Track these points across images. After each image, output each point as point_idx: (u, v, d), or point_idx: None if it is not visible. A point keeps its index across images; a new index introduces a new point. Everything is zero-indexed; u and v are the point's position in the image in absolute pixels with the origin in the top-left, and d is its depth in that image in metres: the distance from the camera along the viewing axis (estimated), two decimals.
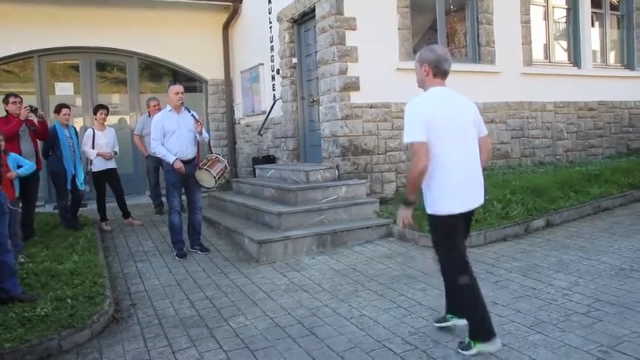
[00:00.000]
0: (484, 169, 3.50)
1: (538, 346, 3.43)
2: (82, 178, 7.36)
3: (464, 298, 3.43)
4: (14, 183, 5.76)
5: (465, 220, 3.45)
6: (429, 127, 3.20)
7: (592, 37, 10.29)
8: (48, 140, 7.16)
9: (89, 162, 7.72)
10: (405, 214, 3.39)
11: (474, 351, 3.31)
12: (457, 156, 3.28)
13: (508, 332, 3.68)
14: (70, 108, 7.46)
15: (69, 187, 7.16)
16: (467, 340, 3.37)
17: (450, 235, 3.40)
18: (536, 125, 9.24)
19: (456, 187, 3.29)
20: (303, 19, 8.47)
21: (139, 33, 10.66)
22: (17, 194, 5.85)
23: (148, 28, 10.69)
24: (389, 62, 7.56)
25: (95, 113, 8.00)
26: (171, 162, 6.05)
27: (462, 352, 3.35)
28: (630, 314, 3.84)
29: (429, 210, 3.40)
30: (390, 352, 3.47)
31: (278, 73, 9.14)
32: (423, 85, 3.45)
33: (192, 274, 5.61)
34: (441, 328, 3.75)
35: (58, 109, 7.28)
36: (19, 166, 5.85)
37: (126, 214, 8.10)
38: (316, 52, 7.88)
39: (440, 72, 3.37)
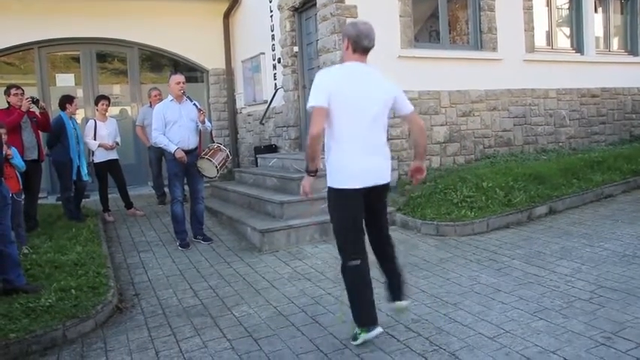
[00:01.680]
0: (424, 148, 3.58)
1: (541, 333, 3.44)
2: (86, 169, 7.38)
3: (346, 284, 3.45)
4: (18, 175, 5.76)
5: (365, 199, 3.40)
6: (331, 99, 3.19)
7: (595, 22, 10.22)
8: (54, 131, 7.15)
9: (91, 153, 7.72)
10: (305, 182, 3.43)
11: (359, 340, 3.42)
12: (355, 131, 3.27)
13: (511, 319, 3.69)
14: (76, 99, 7.49)
15: (74, 177, 7.18)
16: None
17: (343, 210, 3.38)
18: (539, 112, 9.19)
19: (350, 162, 3.29)
20: (304, 7, 8.42)
21: (140, 23, 10.60)
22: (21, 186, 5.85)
23: (149, 19, 10.64)
24: (390, 50, 7.52)
25: (96, 104, 7.99)
26: (173, 151, 6.05)
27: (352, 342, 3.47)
28: (633, 300, 3.84)
29: (328, 183, 3.44)
30: (394, 340, 3.48)
31: (279, 62, 9.10)
32: (343, 58, 3.45)
33: (196, 263, 5.62)
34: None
35: (70, 99, 7.27)
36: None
37: (128, 204, 8.11)
38: (317, 40, 7.84)
39: (359, 48, 3.29)
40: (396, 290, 3.64)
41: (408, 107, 3.49)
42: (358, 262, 3.35)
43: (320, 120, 3.20)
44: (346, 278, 3.44)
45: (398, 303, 3.63)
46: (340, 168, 3.32)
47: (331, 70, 3.33)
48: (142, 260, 5.85)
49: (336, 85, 3.22)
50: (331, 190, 3.41)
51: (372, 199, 3.44)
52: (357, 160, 3.29)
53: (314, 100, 3.21)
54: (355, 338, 3.45)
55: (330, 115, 3.23)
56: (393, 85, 3.45)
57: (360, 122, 3.27)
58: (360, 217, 3.42)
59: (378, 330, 3.42)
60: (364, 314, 3.40)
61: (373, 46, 3.33)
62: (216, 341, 3.69)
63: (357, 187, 3.30)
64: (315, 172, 3.37)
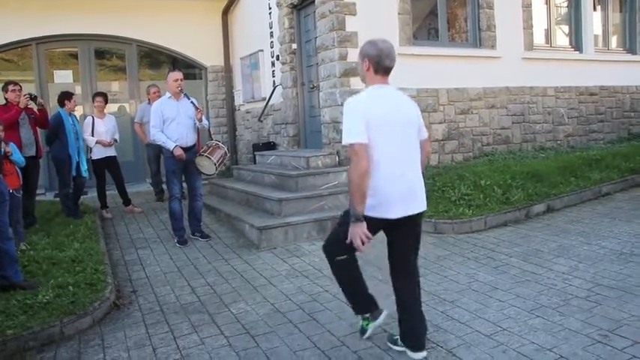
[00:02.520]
0: (423, 173, 3.25)
1: (538, 330, 3.45)
2: (86, 165, 7.38)
3: (338, 279, 3.42)
4: (18, 170, 5.75)
5: (394, 231, 3.15)
6: (368, 128, 2.91)
7: (594, 21, 10.21)
8: (52, 127, 7.14)
9: (89, 150, 7.71)
10: (359, 230, 2.92)
11: (369, 331, 3.46)
12: (394, 159, 3.00)
13: (509, 317, 3.69)
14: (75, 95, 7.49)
15: (73, 173, 7.17)
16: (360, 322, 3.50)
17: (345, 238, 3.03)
18: (537, 110, 9.20)
19: (389, 192, 2.98)
20: (303, 5, 8.41)
21: (138, 20, 10.59)
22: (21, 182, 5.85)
23: (147, 15, 10.62)
24: None
25: (93, 101, 7.98)
26: (171, 149, 6.04)
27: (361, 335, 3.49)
28: (630, 298, 3.85)
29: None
30: (390, 337, 3.48)
31: (278, 59, 9.09)
32: (364, 80, 3.17)
33: (193, 260, 5.62)
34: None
35: (69, 96, 7.26)
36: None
37: (126, 201, 8.11)
38: (316, 37, 7.83)
39: (381, 68, 3.05)
40: (415, 337, 3.21)
41: (424, 133, 3.25)
42: (345, 256, 3.26)
43: (364, 156, 2.88)
44: (337, 273, 3.38)
45: (414, 354, 3.19)
46: (378, 199, 2.98)
47: (359, 100, 3.01)
48: (140, 257, 5.84)
49: (370, 113, 2.94)
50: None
51: (406, 230, 3.14)
52: (398, 192, 3.00)
53: (353, 136, 2.90)
54: (364, 331, 3.45)
55: (369, 144, 2.94)
56: (416, 105, 3.25)
57: (400, 148, 3.02)
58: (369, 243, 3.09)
59: (384, 313, 3.41)
60: (365, 301, 3.40)
61: (394, 65, 3.11)
62: (214, 338, 3.69)
63: (393, 216, 3.02)
64: (364, 217, 2.94)
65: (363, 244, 2.93)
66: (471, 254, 5.18)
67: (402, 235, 3.17)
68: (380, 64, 3.05)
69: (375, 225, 3.04)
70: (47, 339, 3.71)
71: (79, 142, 7.32)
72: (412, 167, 3.09)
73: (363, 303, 3.42)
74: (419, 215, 3.13)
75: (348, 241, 2.97)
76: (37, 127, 6.95)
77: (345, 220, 3.09)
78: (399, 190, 3.01)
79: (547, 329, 3.45)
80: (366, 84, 3.15)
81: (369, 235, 2.94)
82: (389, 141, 2.98)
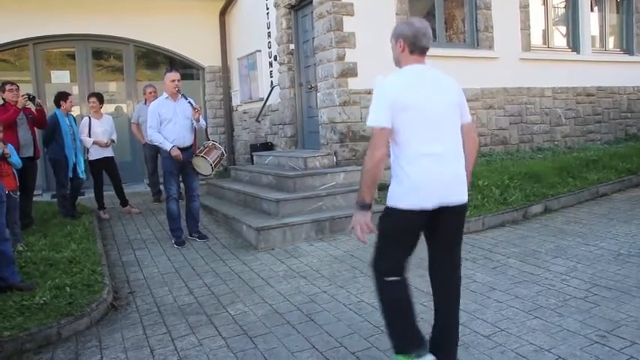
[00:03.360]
0: (472, 163, 3.03)
1: (536, 331, 3.45)
2: (83, 166, 7.36)
3: (384, 304, 2.91)
4: (14, 172, 5.73)
5: (435, 223, 2.83)
6: (395, 112, 2.71)
7: (591, 21, 10.23)
8: (49, 128, 7.13)
9: (86, 150, 7.69)
10: (362, 219, 2.76)
11: None
12: (427, 145, 2.75)
13: (506, 317, 3.69)
14: (72, 95, 7.46)
15: (70, 174, 7.15)
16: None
17: (396, 233, 2.82)
18: (535, 111, 9.21)
19: (421, 181, 2.72)
20: (301, 5, 8.40)
21: (135, 20, 10.57)
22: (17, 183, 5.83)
23: (144, 16, 10.60)
24: (387, 48, 7.46)
25: (88, 101, 7.97)
26: (168, 149, 6.03)
27: None
28: (627, 299, 3.86)
29: (387, 201, 2.85)
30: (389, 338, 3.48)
31: (275, 59, 9.08)
32: (398, 63, 2.98)
33: (191, 261, 5.61)
34: None
35: (65, 96, 7.24)
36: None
37: (124, 202, 8.09)
38: (314, 38, 7.83)
39: (417, 48, 2.87)
40: (446, 347, 2.97)
41: (467, 116, 2.99)
42: (398, 277, 2.86)
43: (382, 142, 2.71)
44: (384, 296, 2.90)
45: None
46: (409, 188, 2.73)
47: (390, 81, 2.82)
48: (137, 258, 5.83)
49: (399, 96, 2.73)
50: (390, 208, 2.81)
51: (446, 223, 2.86)
52: (433, 180, 2.73)
53: (374, 119, 2.74)
54: None
55: (395, 129, 2.74)
56: (459, 86, 2.99)
57: (435, 134, 2.77)
58: (416, 243, 2.87)
59: (430, 358, 2.81)
60: (413, 336, 2.87)
61: (430, 45, 2.92)
62: (212, 339, 3.68)
63: (427, 207, 2.73)
64: (370, 206, 2.77)
65: (364, 234, 2.76)
66: (468, 255, 5.17)
67: (439, 228, 2.87)
68: (416, 44, 2.87)
69: (410, 219, 2.76)
70: (44, 340, 3.70)
71: (76, 142, 7.30)
72: (449, 153, 2.80)
73: (411, 337, 2.87)
74: (459, 208, 2.85)
75: (357, 231, 2.78)
76: (35, 128, 6.93)
77: (384, 225, 2.84)
78: (430, 177, 2.73)
79: (545, 330, 3.45)
80: (399, 66, 2.97)
81: (370, 225, 2.75)
82: (419, 125, 2.75)
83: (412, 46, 2.88)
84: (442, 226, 2.87)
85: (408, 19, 3.02)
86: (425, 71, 2.90)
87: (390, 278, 2.86)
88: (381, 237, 2.89)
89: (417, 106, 2.75)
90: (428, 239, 2.97)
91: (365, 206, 2.76)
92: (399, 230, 2.82)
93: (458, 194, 2.82)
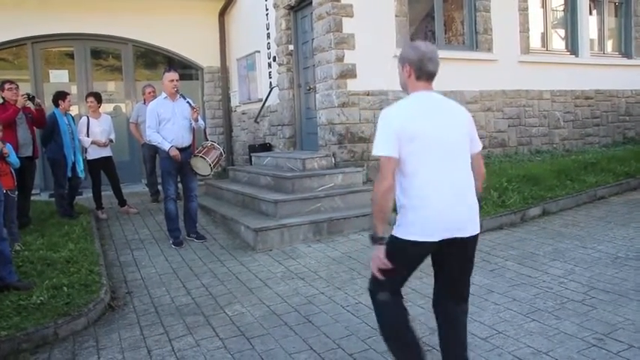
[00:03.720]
0: (480, 192, 2.86)
1: (534, 334, 3.45)
2: (82, 165, 7.34)
3: (379, 322, 2.86)
4: (12, 171, 5.72)
5: (444, 255, 2.73)
6: (402, 142, 2.60)
7: (590, 25, 10.25)
8: (47, 128, 7.11)
9: (84, 150, 7.67)
10: (376, 253, 2.66)
11: None
12: (437, 176, 2.63)
13: (504, 320, 3.70)
14: (70, 95, 7.45)
15: (69, 174, 7.13)
16: None
17: (401, 263, 2.69)
18: (533, 114, 9.22)
19: (431, 212, 2.61)
20: (300, 6, 8.41)
21: (134, 20, 10.56)
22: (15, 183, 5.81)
23: (144, 15, 10.60)
24: (386, 50, 7.51)
25: (86, 101, 7.95)
26: (167, 149, 6.02)
27: None
28: (625, 302, 3.86)
29: (393, 231, 2.72)
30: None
31: (274, 60, 9.08)
32: (405, 88, 2.85)
33: (189, 262, 5.61)
34: None
35: (63, 96, 7.23)
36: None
37: (122, 202, 8.08)
38: (313, 39, 7.83)
39: (424, 74, 2.74)
40: None
41: (477, 145, 2.86)
42: (389, 298, 2.78)
43: (389, 172, 2.59)
44: (376, 314, 2.86)
45: None
46: (417, 220, 2.62)
47: (396, 109, 2.71)
48: (135, 258, 5.82)
49: (402, 124, 2.62)
50: (396, 238, 2.69)
51: (458, 254, 2.74)
52: (441, 212, 2.61)
53: (380, 149, 2.62)
54: None
55: (402, 160, 2.63)
56: (469, 114, 2.87)
57: (444, 163, 2.65)
58: (416, 267, 2.81)
59: None
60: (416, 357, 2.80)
61: (438, 70, 2.80)
62: (209, 340, 3.68)
63: (435, 239, 2.62)
64: (383, 238, 2.65)
65: (382, 270, 2.64)
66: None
67: (450, 258, 2.75)
68: (422, 70, 2.74)
69: (415, 251, 2.67)
70: (41, 340, 3.69)
71: (75, 142, 7.29)
72: (458, 184, 2.67)
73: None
74: (472, 239, 2.71)
75: (373, 269, 2.67)
76: (35, 127, 6.91)
77: (389, 250, 2.68)
78: (438, 208, 2.61)
79: (543, 333, 3.46)
80: (407, 92, 2.83)
81: (385, 261, 2.63)
82: (426, 155, 2.63)
83: (419, 72, 2.75)
84: (452, 257, 2.75)
85: (414, 42, 2.89)
86: (433, 98, 2.77)
87: (384, 299, 2.78)
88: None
89: (424, 135, 2.63)
90: (436, 270, 2.89)
91: (376, 239, 2.65)
92: (401, 261, 2.69)
93: (470, 226, 2.68)
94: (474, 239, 2.72)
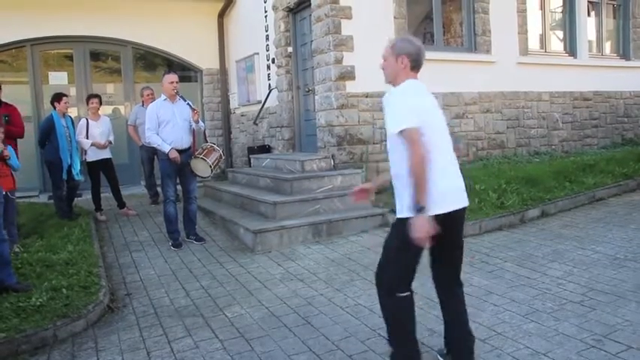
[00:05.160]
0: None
1: (532, 335, 3.45)
2: (79, 168, 7.31)
3: (390, 319, 2.98)
4: (12, 173, 5.72)
5: (442, 228, 2.80)
6: (418, 115, 2.79)
7: (588, 26, 10.27)
8: (44, 129, 7.10)
9: (84, 152, 7.67)
10: (426, 223, 2.69)
11: None
12: (441, 150, 2.89)
13: (503, 321, 3.70)
14: (68, 97, 7.41)
15: (65, 176, 7.11)
16: None
17: (417, 245, 2.78)
18: (532, 115, 9.23)
19: (444, 187, 2.82)
20: (299, 8, 8.42)
21: (134, 22, 10.56)
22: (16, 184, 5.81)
23: (143, 17, 10.60)
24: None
25: (87, 102, 7.91)
26: (167, 151, 6.03)
27: None
28: (623, 303, 3.86)
29: (406, 214, 2.81)
30: (385, 341, 3.47)
31: (273, 62, 9.09)
32: (395, 79, 3.03)
33: (188, 263, 5.61)
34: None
35: (58, 98, 7.20)
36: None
37: (121, 204, 8.07)
38: (312, 41, 7.84)
39: (418, 65, 3.02)
40: (461, 355, 3.07)
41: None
42: (408, 292, 2.93)
43: (419, 141, 2.72)
44: (391, 312, 2.96)
45: None
46: (435, 190, 2.76)
47: (404, 90, 2.94)
48: (134, 260, 5.82)
49: (418, 103, 2.87)
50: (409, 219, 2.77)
51: (451, 226, 2.91)
52: (449, 181, 2.88)
53: (404, 122, 2.75)
54: None
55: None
56: None
57: (443, 143, 2.93)
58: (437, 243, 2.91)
59: None
60: (413, 353, 2.97)
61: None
62: (208, 342, 3.68)
63: (441, 212, 2.80)
64: (425, 208, 2.70)
65: (429, 238, 2.71)
66: (465, 258, 5.16)
67: (450, 228, 2.91)
68: (418, 62, 3.02)
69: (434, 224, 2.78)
70: (40, 342, 3.69)
71: (72, 144, 7.24)
72: (453, 159, 3.01)
73: (415, 355, 2.98)
74: (463, 211, 3.01)
75: (420, 238, 2.69)
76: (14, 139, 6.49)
77: (401, 237, 2.78)
78: (448, 183, 2.88)
79: (541, 334, 3.46)
80: (395, 82, 3.03)
81: (436, 227, 2.71)
82: (436, 132, 2.89)
83: (414, 63, 2.99)
84: (451, 230, 2.92)
85: (404, 36, 3.16)
86: (424, 87, 3.02)
87: (404, 294, 2.90)
88: (403, 251, 2.85)
89: (429, 113, 2.90)
90: (434, 249, 3.00)
91: (420, 209, 2.70)
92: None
93: (465, 198, 2.99)
94: (464, 211, 3.02)
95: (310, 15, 7.83)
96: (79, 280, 4.57)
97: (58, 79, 10.59)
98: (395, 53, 3.03)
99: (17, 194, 5.92)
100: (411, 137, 2.74)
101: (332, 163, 7.36)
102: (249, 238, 6.07)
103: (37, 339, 3.68)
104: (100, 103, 7.94)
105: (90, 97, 7.97)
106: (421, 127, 2.77)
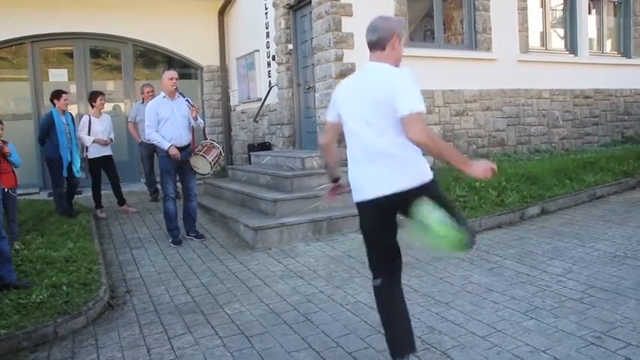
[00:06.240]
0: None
1: (532, 332, 3.46)
2: (79, 165, 7.31)
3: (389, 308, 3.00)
4: (13, 169, 5.72)
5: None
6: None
7: (589, 24, 10.26)
8: (44, 127, 7.10)
9: (85, 149, 7.67)
10: (485, 161, 2.75)
11: None
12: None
13: (503, 318, 3.70)
14: (67, 94, 7.40)
15: (65, 174, 7.11)
16: None
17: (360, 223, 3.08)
18: (532, 113, 9.23)
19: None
20: (299, 5, 8.41)
21: (134, 19, 10.55)
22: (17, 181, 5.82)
23: (143, 14, 10.59)
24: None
25: (94, 100, 7.83)
26: (166, 148, 6.03)
27: None
28: (623, 300, 3.87)
29: (431, 176, 2.88)
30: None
31: (274, 59, 9.08)
32: (398, 62, 2.98)
33: (188, 260, 5.61)
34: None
35: (58, 95, 7.19)
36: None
37: (121, 201, 8.07)
38: (312, 38, 7.84)
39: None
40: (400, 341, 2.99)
41: None
42: (378, 281, 2.98)
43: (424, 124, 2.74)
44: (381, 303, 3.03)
45: None
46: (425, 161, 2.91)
47: (407, 70, 2.88)
48: (134, 257, 5.83)
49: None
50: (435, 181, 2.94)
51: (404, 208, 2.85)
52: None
53: (422, 104, 2.75)
54: None
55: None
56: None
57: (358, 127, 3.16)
58: (371, 233, 3.03)
59: None
60: (394, 340, 2.96)
61: None
62: (208, 339, 3.68)
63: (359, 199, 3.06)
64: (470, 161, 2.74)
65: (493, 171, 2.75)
66: (465, 256, 5.18)
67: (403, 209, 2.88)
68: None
69: (362, 209, 3.14)
70: (40, 339, 3.69)
71: (72, 141, 7.22)
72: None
73: (400, 341, 2.97)
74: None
75: (487, 173, 2.72)
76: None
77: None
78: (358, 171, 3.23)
79: (541, 331, 3.46)
80: (397, 65, 2.97)
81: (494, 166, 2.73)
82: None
83: (402, 39, 3.00)
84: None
85: (383, 16, 3.19)
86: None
87: (373, 281, 3.04)
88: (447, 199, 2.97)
89: None
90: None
91: (467, 161, 2.73)
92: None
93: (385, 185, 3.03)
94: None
95: (311, 12, 7.83)
96: (79, 277, 4.57)
97: (58, 76, 10.58)
98: (397, 34, 3.01)
99: (17, 191, 5.93)
100: (422, 120, 2.71)
101: None
102: (249, 235, 6.08)
103: (37, 336, 3.69)
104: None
105: (97, 94, 7.87)
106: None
